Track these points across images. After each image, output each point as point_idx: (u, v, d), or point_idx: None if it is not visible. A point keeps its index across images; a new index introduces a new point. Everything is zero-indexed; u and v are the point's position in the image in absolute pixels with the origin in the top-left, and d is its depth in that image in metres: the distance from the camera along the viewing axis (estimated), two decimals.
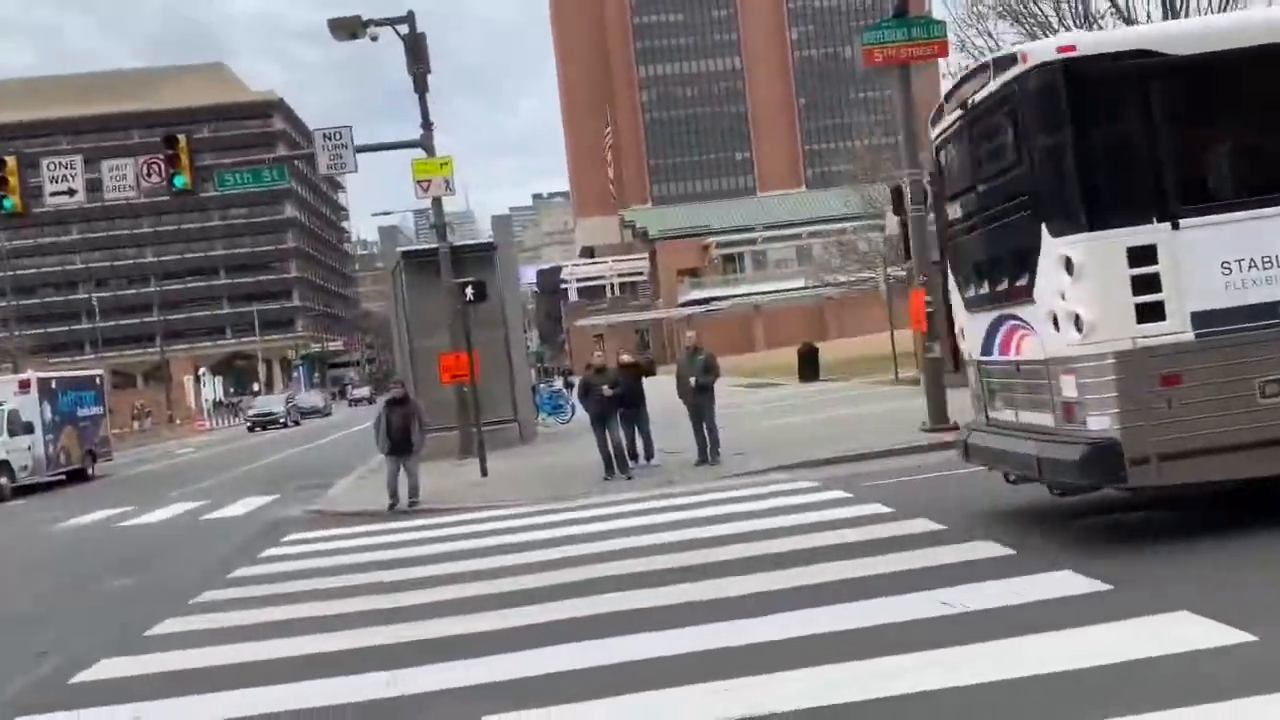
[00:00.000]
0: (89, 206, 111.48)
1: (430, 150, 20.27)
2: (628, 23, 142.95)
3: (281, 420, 50.90)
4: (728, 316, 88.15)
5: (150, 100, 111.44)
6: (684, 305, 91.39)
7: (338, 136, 19.97)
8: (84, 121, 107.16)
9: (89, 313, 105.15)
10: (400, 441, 13.55)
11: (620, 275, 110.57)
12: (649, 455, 15.02)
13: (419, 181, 19.95)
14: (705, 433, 14.40)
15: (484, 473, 16.06)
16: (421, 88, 20.25)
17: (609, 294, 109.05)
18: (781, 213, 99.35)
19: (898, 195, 15.14)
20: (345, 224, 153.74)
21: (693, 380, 14.28)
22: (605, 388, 14.23)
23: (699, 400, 14.40)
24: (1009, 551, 7.15)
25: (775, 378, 37.68)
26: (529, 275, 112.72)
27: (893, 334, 25.24)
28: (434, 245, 20.95)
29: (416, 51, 20.22)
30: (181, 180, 19.45)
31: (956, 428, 14.71)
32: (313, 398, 67.46)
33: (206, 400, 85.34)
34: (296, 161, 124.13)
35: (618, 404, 14.35)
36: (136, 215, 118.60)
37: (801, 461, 13.74)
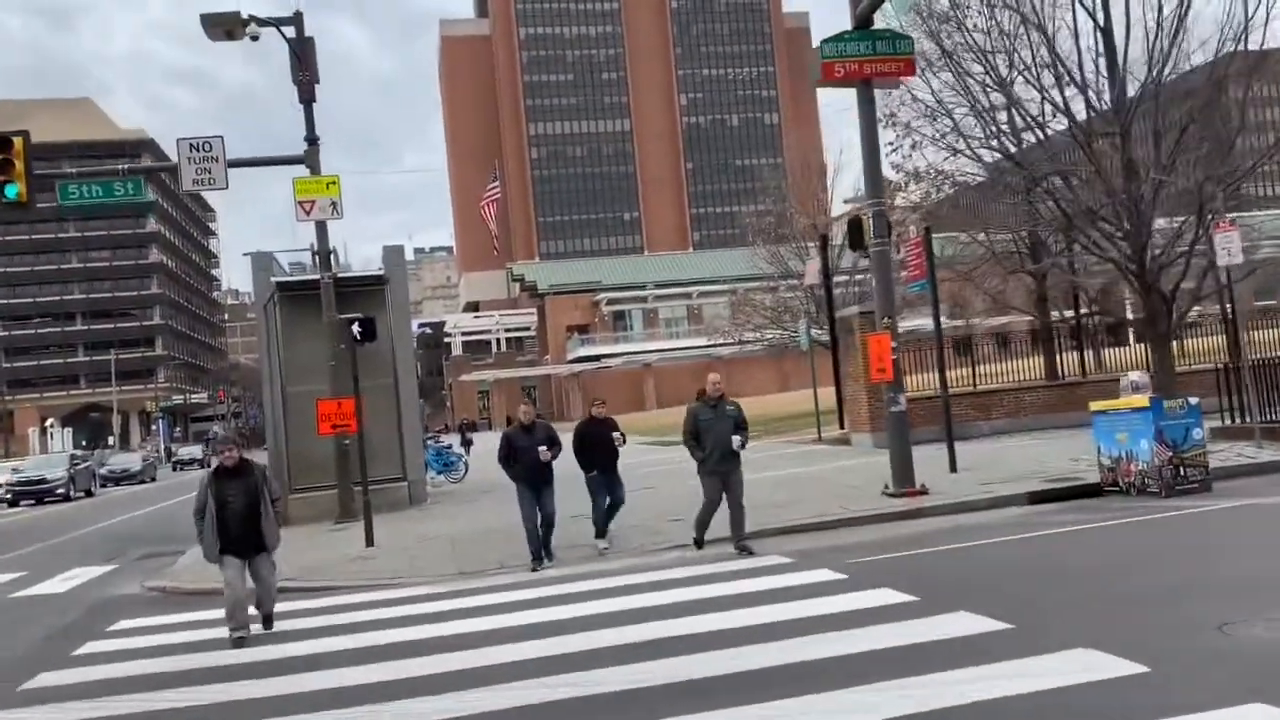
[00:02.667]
0: None
1: (315, 168, 17.78)
2: (518, 80, 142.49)
3: (60, 490, 35.53)
4: (618, 374, 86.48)
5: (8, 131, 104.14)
6: (573, 361, 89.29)
7: (206, 148, 17.27)
8: None
9: None
10: (245, 534, 8.70)
11: (507, 330, 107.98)
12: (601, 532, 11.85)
13: (301, 202, 17.41)
14: (735, 509, 10.64)
15: (370, 541, 13.45)
16: (307, 96, 17.80)
17: (495, 349, 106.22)
18: (672, 271, 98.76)
19: (856, 229, 13.39)
20: (215, 271, 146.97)
21: (736, 440, 10.39)
22: (543, 449, 11.02)
23: (729, 469, 10.56)
24: (1141, 668, 5.16)
25: (676, 436, 35.72)
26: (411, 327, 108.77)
27: (815, 390, 23.64)
28: (314, 276, 18.34)
29: (303, 57, 17.81)
30: (14, 190, 16.36)
31: (925, 492, 12.95)
32: (127, 459, 52.32)
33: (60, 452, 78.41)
34: (165, 205, 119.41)
35: (549, 470, 11.25)
36: None
37: (761, 530, 11.65)
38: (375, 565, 12.06)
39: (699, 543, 10.95)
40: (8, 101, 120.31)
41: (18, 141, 16.45)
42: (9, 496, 35.51)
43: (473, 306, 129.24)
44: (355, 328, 15.85)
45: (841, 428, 23.65)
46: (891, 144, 24.85)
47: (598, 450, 11.64)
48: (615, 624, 7.61)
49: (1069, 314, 25.56)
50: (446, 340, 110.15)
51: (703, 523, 10.90)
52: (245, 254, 19.55)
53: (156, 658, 8.18)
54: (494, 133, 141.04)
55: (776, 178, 40.72)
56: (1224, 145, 17.53)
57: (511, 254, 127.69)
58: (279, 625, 9.10)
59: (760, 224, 37.48)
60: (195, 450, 65.90)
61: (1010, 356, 24.73)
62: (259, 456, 12.39)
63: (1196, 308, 21.32)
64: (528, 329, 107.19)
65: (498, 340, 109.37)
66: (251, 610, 8.80)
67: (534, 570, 10.74)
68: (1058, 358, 24.08)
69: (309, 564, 12.60)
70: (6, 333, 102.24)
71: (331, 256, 17.91)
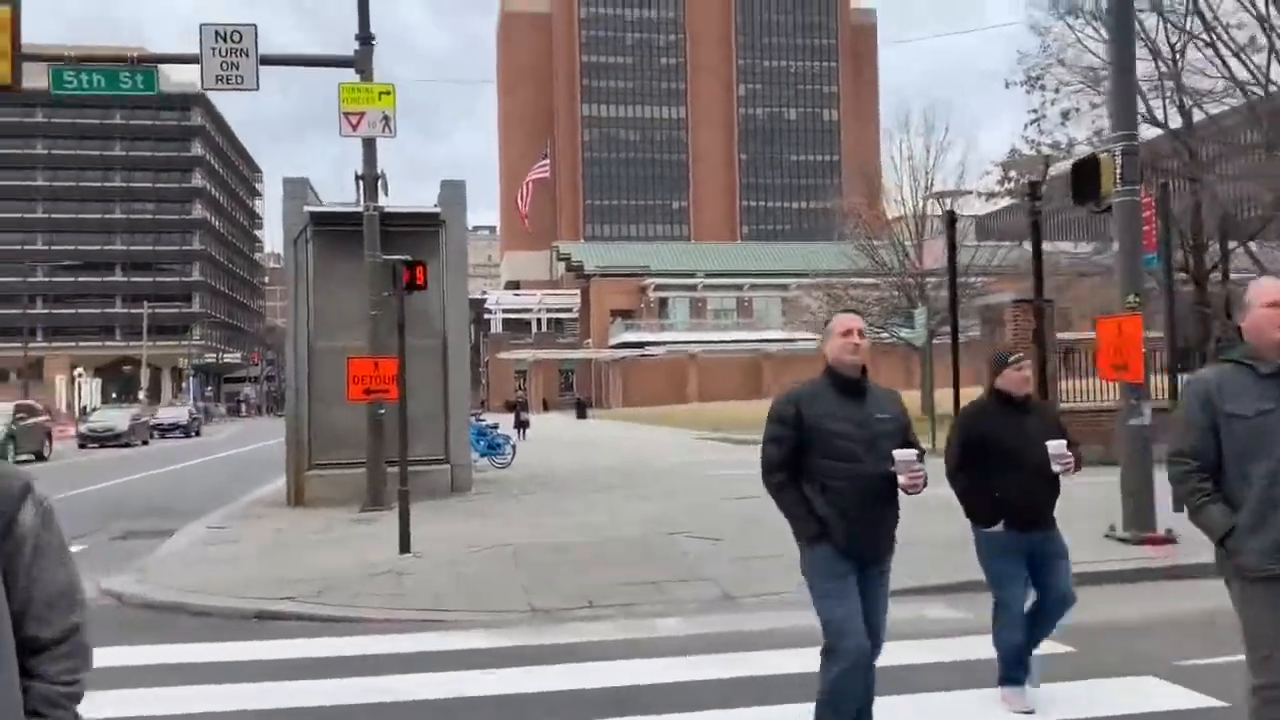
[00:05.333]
0: None
1: (367, 73, 14.46)
2: (576, 59, 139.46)
3: (125, 439, 39.14)
4: (661, 363, 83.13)
5: None
6: (616, 347, 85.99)
7: (234, 38, 13.99)
8: None
9: None
10: None
11: (549, 310, 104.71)
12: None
13: (347, 114, 14.09)
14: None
15: (405, 547, 10.09)
16: None
17: (535, 329, 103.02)
18: (723, 261, 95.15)
19: (1090, 173, 9.77)
20: (259, 233, 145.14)
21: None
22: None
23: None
24: None
25: (748, 433, 32.08)
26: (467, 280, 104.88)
27: (931, 394, 20.06)
28: (356, 209, 15.02)
29: None
30: None
31: (1172, 539, 9.39)
32: (175, 412, 53.50)
33: (87, 405, 76.42)
34: (212, 161, 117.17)
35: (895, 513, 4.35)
36: (31, 199, 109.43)
37: (934, 585, 8.18)
38: (410, 585, 8.69)
39: None
40: (62, 46, 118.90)
41: (3, 11, 13.25)
42: (80, 440, 39.21)
43: (513, 285, 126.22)
44: (403, 272, 12.60)
45: None
46: (1035, 112, 21.29)
47: (1016, 469, 4.96)
48: None
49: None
50: (487, 316, 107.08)
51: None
52: (286, 179, 16.59)
53: None
54: (547, 112, 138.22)
55: (827, 179, 36.91)
56: None
57: (557, 234, 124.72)
58: (277, 686, 5.71)
59: (852, 207, 33.68)
60: (181, 411, 54.04)
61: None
62: (277, 423, 9.05)
63: None
64: (569, 310, 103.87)
65: (538, 320, 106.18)
66: None
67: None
68: None
69: (317, 572, 9.24)
70: (47, 279, 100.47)
71: (379, 184, 14.58)
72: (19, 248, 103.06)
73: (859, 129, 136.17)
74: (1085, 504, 11.03)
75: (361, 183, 14.48)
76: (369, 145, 14.41)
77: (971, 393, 23.06)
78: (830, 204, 31.78)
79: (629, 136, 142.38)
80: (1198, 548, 8.95)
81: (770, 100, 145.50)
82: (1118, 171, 9.38)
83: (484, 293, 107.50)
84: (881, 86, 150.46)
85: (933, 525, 10.58)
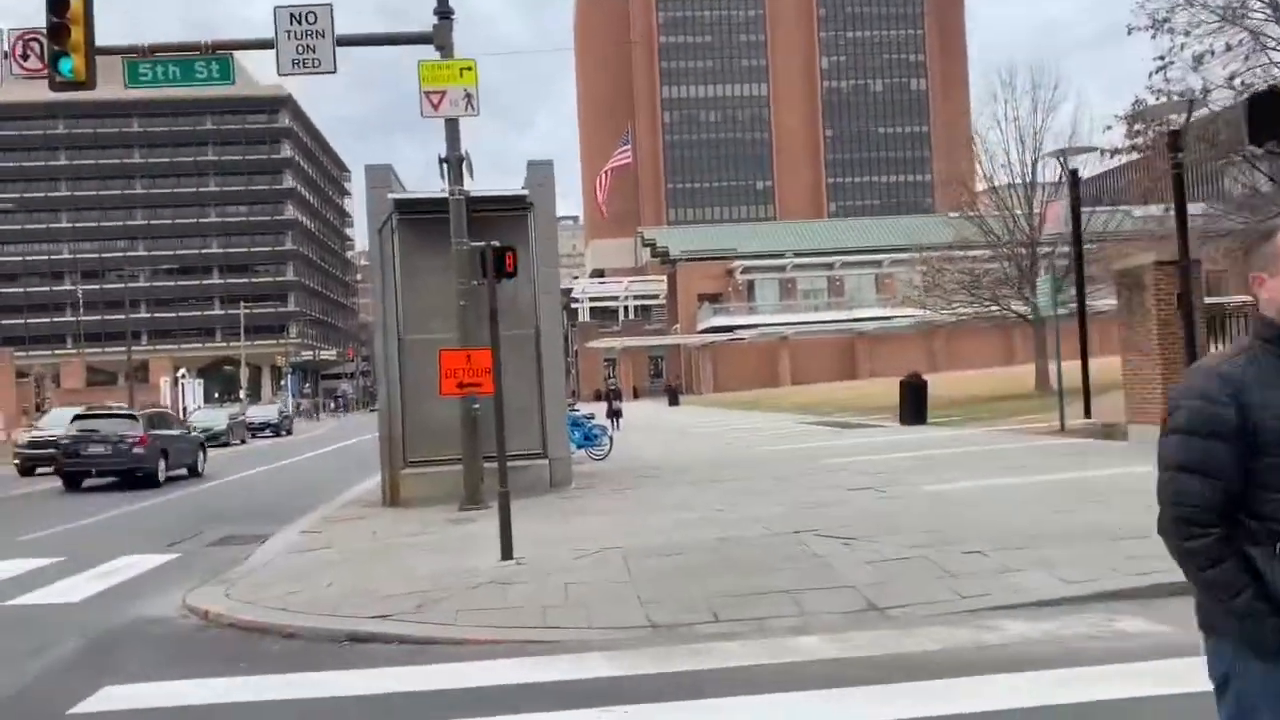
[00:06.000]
0: (80, 195, 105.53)
1: (447, 49, 13.71)
2: (654, 41, 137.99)
3: (224, 439, 39.29)
4: (751, 347, 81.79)
5: None
6: (705, 331, 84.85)
7: (309, 19, 13.37)
8: (79, 105, 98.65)
9: (73, 305, 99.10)
10: None
11: (636, 297, 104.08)
12: None
13: (427, 93, 13.37)
14: None
15: (507, 553, 9.30)
16: None
17: (622, 316, 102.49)
18: (812, 239, 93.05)
19: (1270, 107, 8.43)
20: (349, 231, 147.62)
21: None
22: None
23: None
24: None
25: (852, 416, 30.85)
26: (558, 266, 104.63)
27: (1060, 368, 18.55)
28: (442, 194, 14.31)
29: None
30: (69, 65, 12.84)
31: None
32: (265, 411, 54.37)
33: (192, 405, 78.56)
34: (302, 163, 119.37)
35: None
36: (130, 207, 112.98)
37: (1141, 586, 7.01)
38: (515, 597, 7.87)
39: None
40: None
41: (76, 3, 12.84)
42: None
43: (598, 274, 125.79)
44: (492, 259, 11.82)
45: (1087, 416, 18.62)
46: (1161, 58, 19.56)
47: None
48: None
49: None
50: (574, 305, 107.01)
51: None
52: (368, 166, 16.01)
53: None
54: (626, 97, 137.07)
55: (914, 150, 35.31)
56: None
57: (640, 220, 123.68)
58: None
59: (954, 175, 32.05)
60: (272, 411, 55.30)
61: None
62: (371, 419, 8.35)
63: None
64: (656, 297, 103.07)
65: (625, 307, 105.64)
66: None
67: None
68: None
69: (415, 583, 8.50)
70: (148, 284, 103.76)
71: (464, 166, 13.84)
72: (122, 254, 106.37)
73: (949, 96, 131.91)
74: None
75: (445, 165, 13.76)
76: (452, 126, 13.67)
77: (1107, 364, 21.41)
78: (927, 175, 30.40)
79: (710, 117, 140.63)
80: None
81: (854, 72, 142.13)
82: None
83: (575, 278, 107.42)
84: (971, 51, 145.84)
85: (1096, 511, 9.41)
